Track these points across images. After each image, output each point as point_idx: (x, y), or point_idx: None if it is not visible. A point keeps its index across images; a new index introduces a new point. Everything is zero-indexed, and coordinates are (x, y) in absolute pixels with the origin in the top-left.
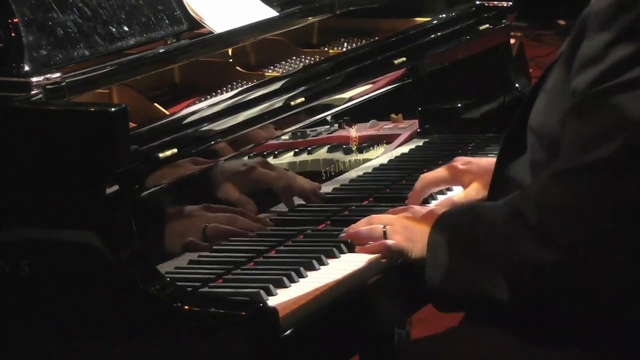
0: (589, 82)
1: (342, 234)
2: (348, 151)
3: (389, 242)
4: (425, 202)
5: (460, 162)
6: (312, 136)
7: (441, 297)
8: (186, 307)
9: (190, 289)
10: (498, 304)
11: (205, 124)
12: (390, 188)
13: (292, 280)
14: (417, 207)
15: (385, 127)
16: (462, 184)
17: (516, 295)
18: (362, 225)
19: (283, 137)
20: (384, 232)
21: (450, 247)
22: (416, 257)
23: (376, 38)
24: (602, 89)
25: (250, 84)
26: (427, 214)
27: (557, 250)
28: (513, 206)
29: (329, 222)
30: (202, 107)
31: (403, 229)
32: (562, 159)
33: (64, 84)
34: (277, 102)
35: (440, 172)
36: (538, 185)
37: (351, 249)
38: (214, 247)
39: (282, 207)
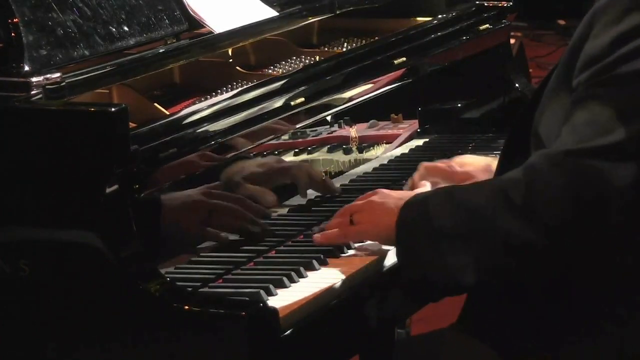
0: (592, 74)
1: (316, 235)
2: (348, 151)
3: (348, 229)
4: None
5: (457, 164)
6: (312, 136)
7: (410, 278)
8: (186, 307)
9: (190, 289)
10: (460, 285)
11: (205, 124)
12: (390, 188)
13: (292, 280)
14: (385, 190)
15: (385, 127)
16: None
17: (482, 278)
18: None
19: (283, 137)
20: (350, 220)
21: (419, 226)
22: (382, 239)
23: (376, 38)
24: (604, 78)
25: (250, 84)
26: (395, 195)
27: (540, 231)
28: (497, 186)
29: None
30: (202, 107)
31: (369, 213)
32: (557, 143)
33: (64, 84)
34: (277, 102)
35: (439, 171)
36: (527, 165)
37: (352, 249)
38: (214, 247)
39: (282, 207)
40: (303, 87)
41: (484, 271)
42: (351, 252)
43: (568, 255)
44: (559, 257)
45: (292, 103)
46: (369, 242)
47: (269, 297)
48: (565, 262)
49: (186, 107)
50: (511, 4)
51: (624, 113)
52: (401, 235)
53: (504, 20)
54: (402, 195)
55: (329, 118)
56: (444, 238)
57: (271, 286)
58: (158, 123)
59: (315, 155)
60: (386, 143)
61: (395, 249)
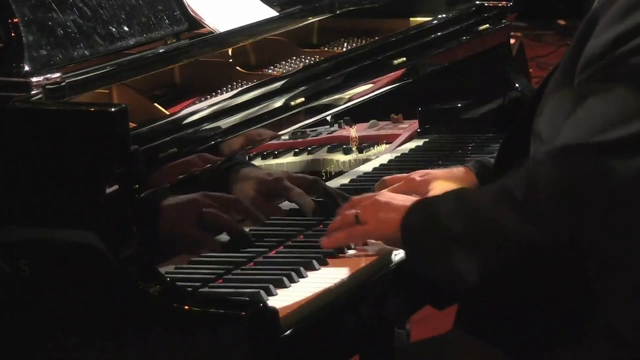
0: (593, 71)
1: (323, 238)
2: (348, 151)
3: (354, 228)
4: None
5: (418, 174)
6: (312, 136)
7: (421, 280)
8: (186, 307)
9: (190, 289)
10: (466, 285)
11: (205, 124)
12: None
13: (292, 280)
14: (388, 192)
15: (385, 127)
16: (420, 194)
17: (487, 277)
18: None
19: (283, 137)
20: (356, 217)
21: (425, 228)
22: (388, 239)
23: (376, 38)
24: (606, 75)
25: (250, 84)
26: (400, 198)
27: (541, 226)
28: (501, 184)
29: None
30: (202, 107)
31: (375, 212)
32: (560, 139)
33: (64, 84)
34: (277, 102)
35: (398, 185)
36: (529, 162)
37: (352, 249)
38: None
39: (282, 207)
40: (303, 87)
41: (488, 273)
42: (351, 252)
43: (570, 252)
44: (560, 254)
45: (292, 103)
46: (370, 242)
47: (269, 297)
48: (567, 260)
49: (186, 107)
50: (511, 4)
51: (624, 110)
52: (407, 237)
53: (503, 20)
54: (406, 198)
55: (329, 118)
56: (451, 240)
57: (271, 286)
58: (158, 123)
59: (315, 155)
60: (386, 143)
61: (396, 249)
